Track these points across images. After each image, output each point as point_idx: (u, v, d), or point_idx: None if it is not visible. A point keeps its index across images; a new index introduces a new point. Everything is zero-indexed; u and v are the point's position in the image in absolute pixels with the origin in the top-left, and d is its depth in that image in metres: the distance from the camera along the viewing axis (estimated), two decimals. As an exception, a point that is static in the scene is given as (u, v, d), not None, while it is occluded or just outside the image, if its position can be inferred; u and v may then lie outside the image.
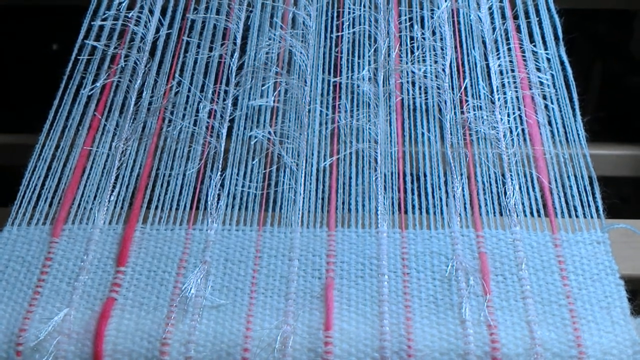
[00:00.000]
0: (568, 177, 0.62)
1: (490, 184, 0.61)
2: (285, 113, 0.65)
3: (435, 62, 0.67)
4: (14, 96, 1.14)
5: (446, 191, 0.61)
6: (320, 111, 0.65)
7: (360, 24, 0.69)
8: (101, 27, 0.69)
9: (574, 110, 0.65)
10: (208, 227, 0.59)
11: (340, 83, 0.66)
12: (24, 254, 0.58)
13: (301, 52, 0.67)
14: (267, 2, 0.70)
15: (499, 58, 0.67)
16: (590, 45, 1.09)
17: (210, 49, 0.68)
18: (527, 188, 0.61)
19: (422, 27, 0.68)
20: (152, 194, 0.61)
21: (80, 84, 0.66)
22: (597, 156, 0.66)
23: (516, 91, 0.66)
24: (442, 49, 0.67)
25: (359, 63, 0.67)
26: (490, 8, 0.70)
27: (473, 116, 0.64)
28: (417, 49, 0.67)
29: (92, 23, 0.69)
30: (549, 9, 0.70)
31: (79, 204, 0.61)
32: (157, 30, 0.69)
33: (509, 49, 0.68)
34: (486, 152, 0.62)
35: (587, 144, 0.63)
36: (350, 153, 0.63)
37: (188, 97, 0.66)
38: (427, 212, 0.60)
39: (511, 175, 0.61)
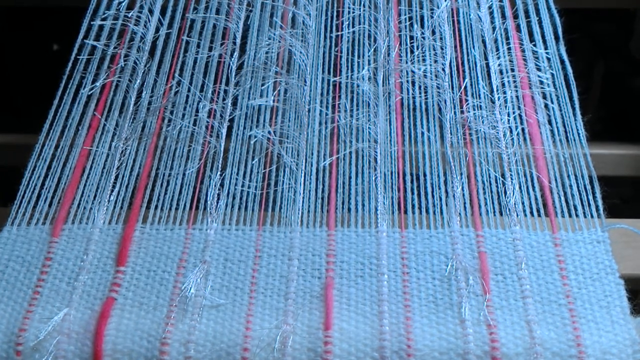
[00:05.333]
0: (568, 176, 0.61)
1: (490, 184, 0.61)
2: (285, 113, 0.65)
3: (435, 61, 0.67)
4: (14, 96, 1.14)
5: (446, 191, 0.60)
6: (320, 111, 0.65)
7: (360, 24, 0.69)
8: (101, 27, 0.69)
9: (574, 109, 0.65)
10: (208, 227, 0.59)
11: (340, 82, 0.66)
12: (23, 254, 0.58)
13: (301, 52, 0.67)
14: (267, 1, 0.70)
15: (498, 57, 0.67)
16: (592, 45, 1.09)
17: (210, 49, 0.68)
18: (527, 187, 0.61)
19: (422, 26, 0.68)
20: (151, 193, 0.61)
21: (80, 83, 0.66)
22: (598, 156, 0.66)
23: (516, 90, 0.66)
24: (442, 49, 0.67)
25: (358, 62, 0.67)
26: (490, 7, 0.70)
27: (473, 115, 0.64)
28: (417, 49, 0.67)
29: (92, 23, 0.69)
30: (549, 8, 0.70)
31: (79, 204, 0.61)
32: (157, 30, 0.69)
33: (509, 49, 0.68)
34: (486, 151, 0.62)
35: (587, 143, 0.63)
36: (350, 152, 0.63)
37: (188, 96, 0.66)
38: (427, 211, 0.60)
39: (511, 174, 0.61)
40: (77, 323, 0.53)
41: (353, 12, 0.69)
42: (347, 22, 0.69)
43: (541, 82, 0.66)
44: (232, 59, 0.67)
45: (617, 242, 0.59)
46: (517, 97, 0.65)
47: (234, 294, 0.55)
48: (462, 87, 0.65)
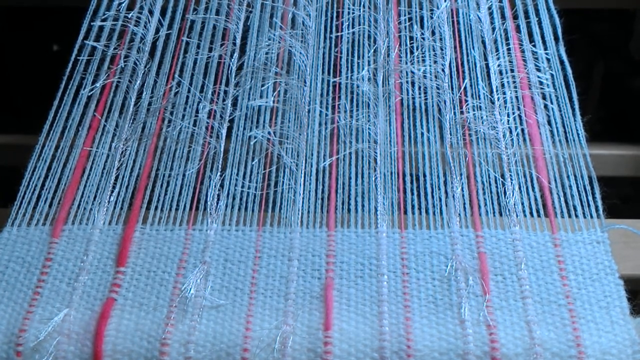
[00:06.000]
0: (568, 177, 0.61)
1: (490, 184, 0.61)
2: (285, 113, 0.65)
3: (435, 62, 0.67)
4: (14, 96, 1.14)
5: (445, 191, 0.60)
6: (320, 111, 0.65)
7: (359, 24, 0.69)
8: (101, 28, 0.69)
9: (573, 110, 0.65)
10: (208, 228, 0.59)
11: (340, 83, 0.66)
12: (23, 255, 0.58)
13: (301, 53, 0.67)
14: (267, 2, 0.70)
15: (498, 58, 0.67)
16: (591, 45, 1.09)
17: (210, 50, 0.68)
18: (527, 188, 0.61)
19: (422, 27, 0.68)
20: (151, 194, 0.61)
21: (80, 84, 0.66)
22: (597, 156, 0.66)
23: (516, 91, 0.66)
24: (442, 49, 0.67)
25: (358, 63, 0.67)
26: (489, 8, 0.70)
27: (472, 116, 0.64)
28: (417, 49, 0.67)
29: (92, 23, 0.69)
30: (548, 9, 0.70)
31: (79, 205, 0.61)
32: (157, 31, 0.69)
33: (509, 49, 0.68)
34: (486, 152, 0.62)
35: (587, 143, 0.63)
36: (350, 153, 0.63)
37: (188, 97, 0.66)
38: (427, 212, 0.60)
39: (511, 175, 0.61)
40: (77, 324, 0.53)
41: (353, 13, 0.69)
42: (347, 23, 0.69)
43: (541, 83, 0.66)
44: (232, 60, 0.67)
45: (616, 243, 0.59)
46: (516, 97, 0.65)
47: (233, 295, 0.55)
48: (462, 88, 0.65)
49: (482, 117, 0.64)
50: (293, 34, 0.68)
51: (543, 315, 0.53)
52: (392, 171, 0.62)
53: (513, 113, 0.64)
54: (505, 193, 0.60)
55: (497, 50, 0.68)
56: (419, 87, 0.66)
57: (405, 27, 0.69)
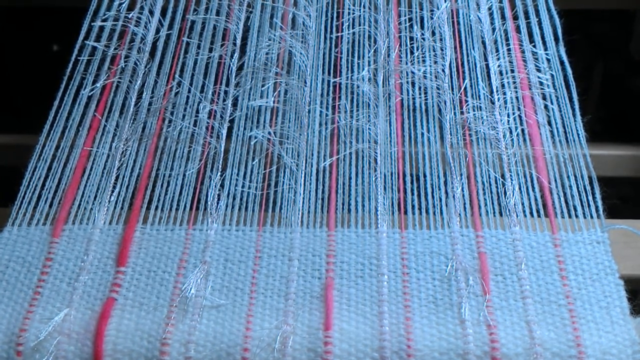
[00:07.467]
0: (568, 177, 0.62)
1: (490, 184, 0.61)
2: (285, 113, 0.65)
3: (435, 62, 0.67)
4: (14, 97, 1.14)
5: (446, 191, 0.61)
6: (320, 111, 0.65)
7: (360, 25, 0.69)
8: (101, 28, 0.69)
9: (573, 110, 0.65)
10: (208, 228, 0.59)
11: (340, 83, 0.66)
12: (24, 254, 0.58)
13: (301, 53, 0.67)
14: (267, 2, 0.70)
15: (498, 58, 0.67)
16: (591, 46, 1.09)
17: (210, 50, 0.68)
18: (527, 188, 0.61)
19: (422, 27, 0.69)
20: (152, 194, 0.61)
21: (80, 84, 0.66)
22: (597, 156, 0.66)
23: (516, 91, 0.66)
24: (442, 50, 0.67)
25: (358, 63, 0.67)
26: (490, 8, 0.70)
27: (473, 116, 0.64)
28: (417, 50, 0.67)
29: (92, 24, 0.69)
30: (548, 9, 0.70)
31: (79, 205, 0.61)
32: (157, 31, 0.69)
33: (509, 50, 0.68)
34: (486, 152, 0.62)
35: (587, 144, 0.63)
36: (350, 153, 0.63)
37: (188, 97, 0.66)
38: (427, 212, 0.60)
39: (511, 175, 0.61)
40: (77, 323, 0.53)
41: (353, 13, 0.69)
42: (347, 23, 0.69)
43: (541, 83, 0.66)
44: (233, 60, 0.67)
45: (616, 243, 0.59)
46: (516, 98, 0.65)
47: (234, 295, 0.55)
48: (462, 88, 0.66)
49: (482, 118, 0.64)
50: (293, 35, 0.68)
51: (543, 315, 0.53)
52: (392, 171, 0.62)
53: (513, 113, 0.65)
54: (505, 193, 0.60)
55: (497, 50, 0.68)
56: (419, 88, 0.66)
57: (405, 27, 0.69)
